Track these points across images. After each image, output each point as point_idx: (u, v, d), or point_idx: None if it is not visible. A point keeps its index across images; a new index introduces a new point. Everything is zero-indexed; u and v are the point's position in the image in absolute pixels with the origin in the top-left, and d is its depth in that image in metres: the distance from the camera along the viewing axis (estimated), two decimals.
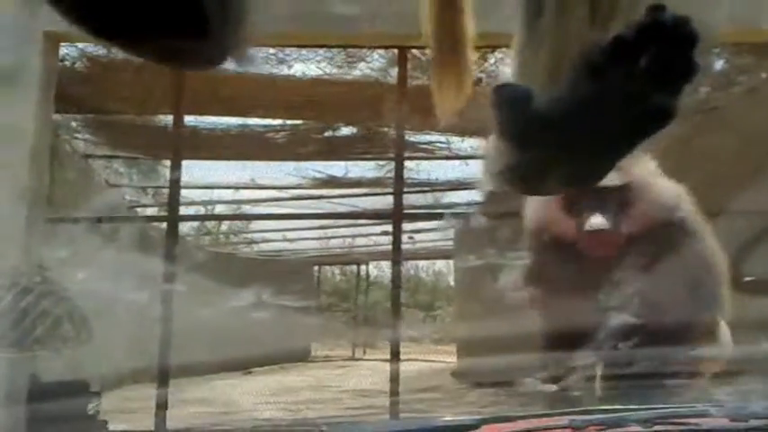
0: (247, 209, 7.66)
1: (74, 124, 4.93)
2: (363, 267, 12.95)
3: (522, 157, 0.61)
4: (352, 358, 11.80)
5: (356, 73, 4.35)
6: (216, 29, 0.45)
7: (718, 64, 5.24)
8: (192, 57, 0.50)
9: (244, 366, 8.75)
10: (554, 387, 1.71)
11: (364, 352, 11.85)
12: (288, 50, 4.05)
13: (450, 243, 8.98)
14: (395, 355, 3.94)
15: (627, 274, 1.62)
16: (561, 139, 0.59)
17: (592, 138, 0.59)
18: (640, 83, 0.55)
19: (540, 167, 0.62)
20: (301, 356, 10.98)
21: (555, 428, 0.89)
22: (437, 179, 6.14)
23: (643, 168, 1.65)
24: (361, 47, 4.07)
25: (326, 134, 5.21)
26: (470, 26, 1.08)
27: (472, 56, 1.12)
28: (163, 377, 3.73)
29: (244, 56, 0.52)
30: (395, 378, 3.77)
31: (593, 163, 0.63)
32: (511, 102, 0.60)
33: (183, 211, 4.68)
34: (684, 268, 1.67)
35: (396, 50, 3.91)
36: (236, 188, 6.71)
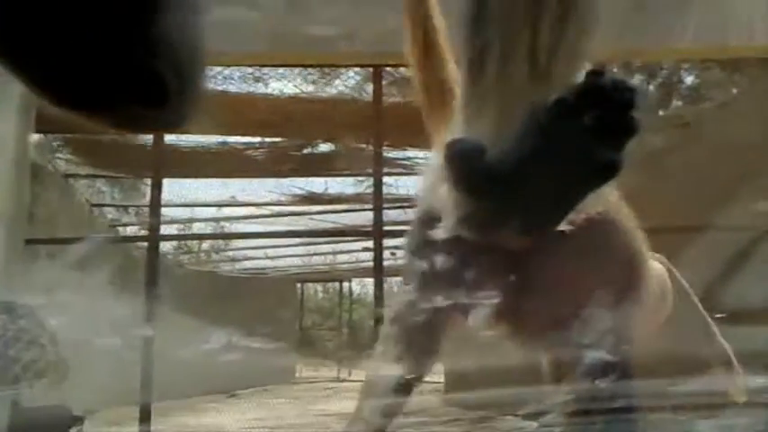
0: (228, 226, 7.67)
1: (54, 144, 4.95)
2: (346, 285, 12.85)
3: (478, 208, 0.64)
4: (337, 379, 11.69)
5: (332, 90, 4.42)
6: (173, 96, 0.44)
7: (689, 79, 5.35)
8: (149, 123, 0.50)
9: (229, 389, 8.67)
10: (534, 424, 1.71)
11: (349, 373, 11.74)
12: (265, 69, 4.11)
13: None
14: None
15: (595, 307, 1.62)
16: (513, 192, 0.61)
17: (542, 191, 0.61)
18: (584, 141, 0.57)
19: (495, 218, 0.65)
20: (286, 378, 10.89)
21: None
22: (417, 194, 6.14)
23: None
24: (338, 66, 4.13)
25: (305, 151, 5.26)
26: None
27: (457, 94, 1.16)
28: (146, 401, 3.70)
29: (200, 119, 0.52)
30: None
31: (545, 214, 0.65)
32: (464, 156, 0.62)
33: (164, 229, 4.68)
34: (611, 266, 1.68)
35: (370, 68, 3.96)
36: (218, 206, 6.74)
